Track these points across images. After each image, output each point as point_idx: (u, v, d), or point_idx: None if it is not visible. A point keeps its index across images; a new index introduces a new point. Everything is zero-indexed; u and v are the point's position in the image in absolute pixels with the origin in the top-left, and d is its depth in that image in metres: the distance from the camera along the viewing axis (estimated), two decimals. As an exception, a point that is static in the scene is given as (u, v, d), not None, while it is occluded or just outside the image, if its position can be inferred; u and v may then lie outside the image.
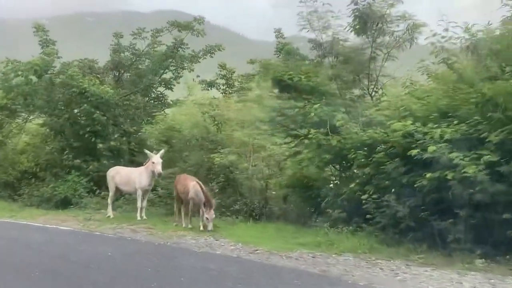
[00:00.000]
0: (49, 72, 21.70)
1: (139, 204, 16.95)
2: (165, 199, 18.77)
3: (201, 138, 18.64)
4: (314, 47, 15.14)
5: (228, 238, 13.24)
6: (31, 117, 24.43)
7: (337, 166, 14.49)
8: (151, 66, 23.46)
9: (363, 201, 12.29)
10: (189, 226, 15.02)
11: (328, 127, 13.44)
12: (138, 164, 19.88)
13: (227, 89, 24.38)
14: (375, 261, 10.59)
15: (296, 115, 14.51)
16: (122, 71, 23.77)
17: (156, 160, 16.56)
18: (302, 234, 13.21)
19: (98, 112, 20.85)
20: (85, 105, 20.78)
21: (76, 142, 21.53)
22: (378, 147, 12.17)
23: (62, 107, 21.65)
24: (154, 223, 16.05)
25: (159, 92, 24.97)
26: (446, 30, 12.20)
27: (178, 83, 24.58)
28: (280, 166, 16.89)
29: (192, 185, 14.59)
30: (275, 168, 16.98)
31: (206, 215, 14.16)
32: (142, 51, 23.59)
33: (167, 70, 24.12)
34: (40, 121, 23.58)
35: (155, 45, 23.57)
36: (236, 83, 24.47)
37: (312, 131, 13.46)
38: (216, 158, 17.21)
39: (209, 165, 18.17)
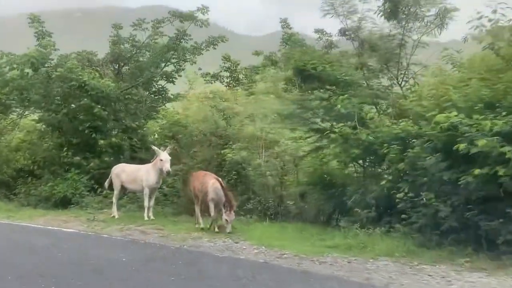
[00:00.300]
0: (46, 65, 20.58)
1: (146, 203, 15.96)
2: (171, 198, 17.77)
3: (209, 133, 17.62)
4: (339, 33, 14.05)
5: (248, 241, 12.31)
6: (26, 113, 23.27)
7: (364, 162, 13.48)
8: (152, 58, 22.37)
9: (397, 200, 11.37)
10: (201, 226, 14.09)
11: (356, 120, 12.49)
12: (140, 161, 18.96)
13: (231, 82, 23.36)
14: (418, 267, 9.70)
15: (318, 107, 13.54)
16: (122, 64, 22.68)
17: (164, 157, 15.57)
18: (328, 236, 12.30)
19: (99, 106, 19.78)
20: (85, 99, 19.70)
21: (75, 139, 20.47)
22: (415, 141, 11.23)
23: (60, 102, 20.54)
24: (163, 223, 15.10)
25: (160, 86, 23.91)
26: (495, 11, 11.18)
27: (180, 76, 23.51)
28: (296, 162, 15.92)
29: (211, 183, 13.52)
30: (290, 164, 15.99)
31: (225, 217, 13.15)
32: (143, 43, 22.51)
33: (168, 63, 23.03)
34: (35, 116, 22.45)
35: (156, 37, 22.47)
36: (240, 76, 23.45)
37: (339, 124, 12.49)
38: (228, 154, 16.22)
39: (219, 161, 17.19)
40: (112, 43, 22.72)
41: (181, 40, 22.44)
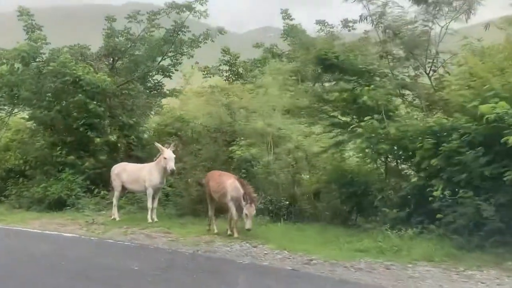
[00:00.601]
0: (37, 59, 19.47)
1: (149, 204, 14.98)
2: (174, 198, 16.76)
3: (214, 129, 16.60)
4: (360, 20, 13.07)
5: (267, 244, 11.37)
6: (15, 111, 22.07)
7: (392, 158, 12.55)
8: (148, 52, 21.30)
9: (430, 198, 10.48)
10: (215, 231, 13.06)
11: (383, 113, 11.57)
12: (137, 159, 17.98)
13: (230, 76, 22.31)
14: (465, 272, 8.81)
15: (338, 99, 12.60)
16: (117, 58, 21.57)
17: (168, 155, 14.60)
18: (354, 238, 11.34)
19: (94, 103, 18.71)
20: (80, 95, 18.62)
21: (69, 137, 19.38)
22: (453, 134, 10.33)
23: (52, 99, 19.40)
24: (168, 226, 14.16)
25: (156, 81, 22.85)
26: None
27: (177, 70, 22.47)
28: (308, 159, 14.96)
29: (229, 182, 12.42)
30: (303, 161, 15.02)
31: (245, 210, 11.88)
32: (138, 35, 21.43)
33: (165, 57, 21.99)
34: (25, 114, 21.29)
35: (153, 29, 21.40)
36: (240, 70, 22.42)
37: (366, 118, 11.55)
38: (237, 151, 15.22)
39: (225, 158, 16.20)
40: (106, 36, 21.62)
41: (179, 33, 21.40)
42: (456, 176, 10.24)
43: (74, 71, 18.58)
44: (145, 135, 20.64)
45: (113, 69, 21.38)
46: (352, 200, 12.96)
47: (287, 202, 14.71)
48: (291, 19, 22.26)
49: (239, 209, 12.18)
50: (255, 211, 12.02)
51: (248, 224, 11.92)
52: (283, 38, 22.24)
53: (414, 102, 12.30)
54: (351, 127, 12.42)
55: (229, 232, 12.58)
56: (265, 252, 10.73)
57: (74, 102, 18.99)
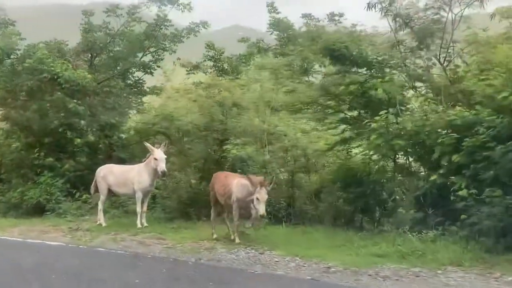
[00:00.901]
0: (11, 56, 18.30)
1: (138, 208, 14.01)
2: (162, 201, 15.82)
3: (204, 127, 15.64)
4: (368, 8, 12.22)
5: (274, 250, 10.52)
6: (-14, 112, 20.80)
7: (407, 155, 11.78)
8: (128, 47, 20.27)
9: (452, 197, 9.73)
10: (236, 240, 11.67)
11: (398, 107, 10.79)
12: (120, 161, 16.98)
13: (215, 72, 21.37)
14: (505, 279, 8.06)
15: (344, 93, 11.79)
16: (95, 54, 20.48)
17: (159, 156, 13.64)
18: (369, 242, 10.52)
19: (74, 101, 17.63)
20: (59, 93, 17.52)
21: (47, 138, 18.24)
22: (476, 128, 9.58)
23: (28, 98, 18.26)
24: (160, 231, 13.25)
25: (136, 78, 21.80)
26: None
27: (159, 66, 21.45)
28: (308, 157, 14.14)
29: (235, 183, 11.42)
30: (302, 159, 14.18)
31: (256, 194, 10.63)
32: (117, 30, 20.38)
33: (147, 52, 20.98)
34: (-2, 115, 20.06)
35: (134, 23, 20.39)
36: (225, 65, 21.50)
37: (381, 112, 10.75)
38: (232, 150, 14.31)
39: (217, 158, 15.29)
40: (84, 31, 20.51)
41: (161, 27, 20.42)
42: (481, 174, 9.49)
43: (52, 68, 17.45)
44: (127, 135, 19.62)
45: (91, 66, 20.30)
46: (360, 201, 12.13)
47: (286, 204, 13.89)
48: (277, 13, 21.47)
49: (247, 213, 11.21)
50: (267, 196, 10.78)
51: (261, 209, 10.61)
52: (269, 32, 21.43)
53: (428, 94, 11.55)
54: (365, 122, 11.58)
55: (232, 237, 11.64)
56: (276, 259, 9.87)
57: (52, 101, 17.92)
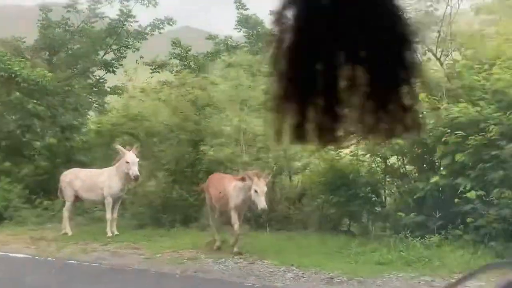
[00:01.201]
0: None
1: (108, 215, 13.08)
2: (131, 207, 14.86)
3: (177, 127, 14.72)
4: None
5: (265, 259, 9.77)
6: None
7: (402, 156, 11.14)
8: (89, 44, 19.17)
9: (456, 200, 9.14)
10: (217, 244, 11.04)
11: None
12: (81, 164, 15.93)
13: (182, 70, 20.43)
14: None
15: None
16: (54, 52, 19.29)
17: (130, 159, 12.72)
18: (366, 248, 9.83)
19: (33, 101, 16.49)
20: (17, 93, 16.36)
21: (3, 141, 17.06)
22: (489, 126, 9.01)
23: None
24: (133, 240, 12.39)
25: (98, 77, 20.68)
26: None
27: (121, 65, 20.39)
28: (288, 158, 13.39)
29: (232, 187, 10.42)
30: (283, 160, 13.41)
31: (254, 186, 9.64)
32: (78, 27, 19.26)
33: (109, 49, 19.92)
34: None
35: (95, 19, 19.31)
36: (192, 64, 20.59)
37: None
38: (209, 152, 13.45)
39: (191, 160, 14.39)
40: (42, 27, 19.30)
41: (125, 23, 19.42)
42: (487, 174, 8.93)
43: (9, 66, 16.24)
44: (87, 137, 18.54)
45: (50, 64, 19.11)
46: (348, 204, 11.42)
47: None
48: (245, 9, 20.68)
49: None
50: (266, 188, 9.92)
51: (261, 203, 9.70)
52: (237, 29, 20.63)
53: (423, 90, 10.93)
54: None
55: (235, 249, 10.46)
56: (270, 269, 9.11)
57: (9, 101, 16.72)
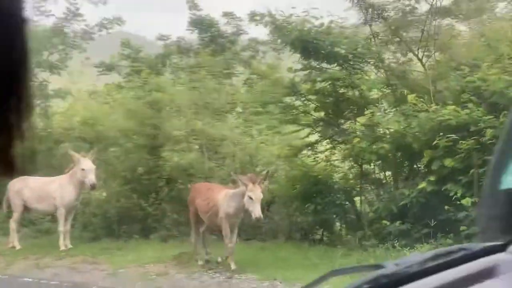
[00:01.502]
0: None
1: (61, 227, 12.09)
2: (82, 217, 13.86)
3: (133, 132, 13.79)
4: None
5: (244, 274, 9.07)
6: None
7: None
8: (33, 44, 17.98)
9: (446, 206, 8.69)
10: (205, 258, 10.23)
11: (383, 105, 9.63)
12: (26, 172, 14.77)
13: (132, 72, 19.47)
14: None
15: (311, 91, 10.50)
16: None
17: (86, 165, 11.77)
18: (351, 259, 9.23)
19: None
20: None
21: None
22: (482, 130, 8.58)
23: None
24: (90, 253, 11.43)
25: (41, 79, 19.45)
26: None
27: (67, 66, 19.26)
28: (254, 163, 12.72)
29: (221, 197, 9.47)
30: (249, 167, 12.70)
31: (249, 193, 8.79)
32: (20, 25, 18.06)
33: (53, 50, 18.76)
34: None
35: (41, 16, 18.22)
36: (142, 66, 19.64)
37: (368, 111, 9.53)
38: (173, 158, 12.61)
39: (149, 167, 13.51)
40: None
41: (72, 22, 18.37)
42: (482, 180, 8.50)
43: None
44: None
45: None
46: (323, 212, 10.81)
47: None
48: (199, 10, 19.93)
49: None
50: (262, 195, 9.06)
51: (257, 211, 8.89)
52: (190, 31, 19.86)
53: (405, 92, 10.46)
54: (342, 122, 10.26)
55: (232, 267, 9.47)
56: (252, 285, 8.40)
57: None
